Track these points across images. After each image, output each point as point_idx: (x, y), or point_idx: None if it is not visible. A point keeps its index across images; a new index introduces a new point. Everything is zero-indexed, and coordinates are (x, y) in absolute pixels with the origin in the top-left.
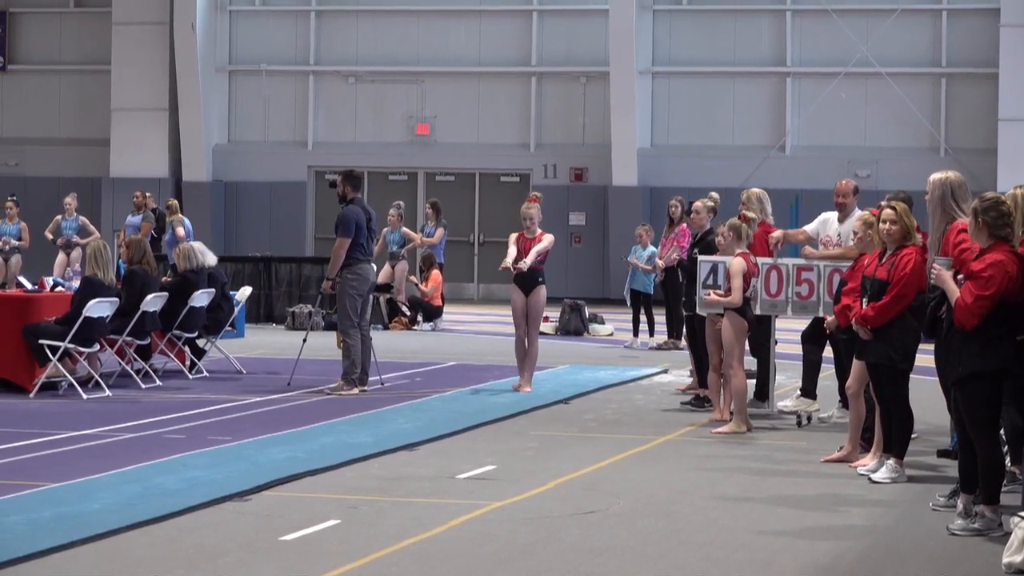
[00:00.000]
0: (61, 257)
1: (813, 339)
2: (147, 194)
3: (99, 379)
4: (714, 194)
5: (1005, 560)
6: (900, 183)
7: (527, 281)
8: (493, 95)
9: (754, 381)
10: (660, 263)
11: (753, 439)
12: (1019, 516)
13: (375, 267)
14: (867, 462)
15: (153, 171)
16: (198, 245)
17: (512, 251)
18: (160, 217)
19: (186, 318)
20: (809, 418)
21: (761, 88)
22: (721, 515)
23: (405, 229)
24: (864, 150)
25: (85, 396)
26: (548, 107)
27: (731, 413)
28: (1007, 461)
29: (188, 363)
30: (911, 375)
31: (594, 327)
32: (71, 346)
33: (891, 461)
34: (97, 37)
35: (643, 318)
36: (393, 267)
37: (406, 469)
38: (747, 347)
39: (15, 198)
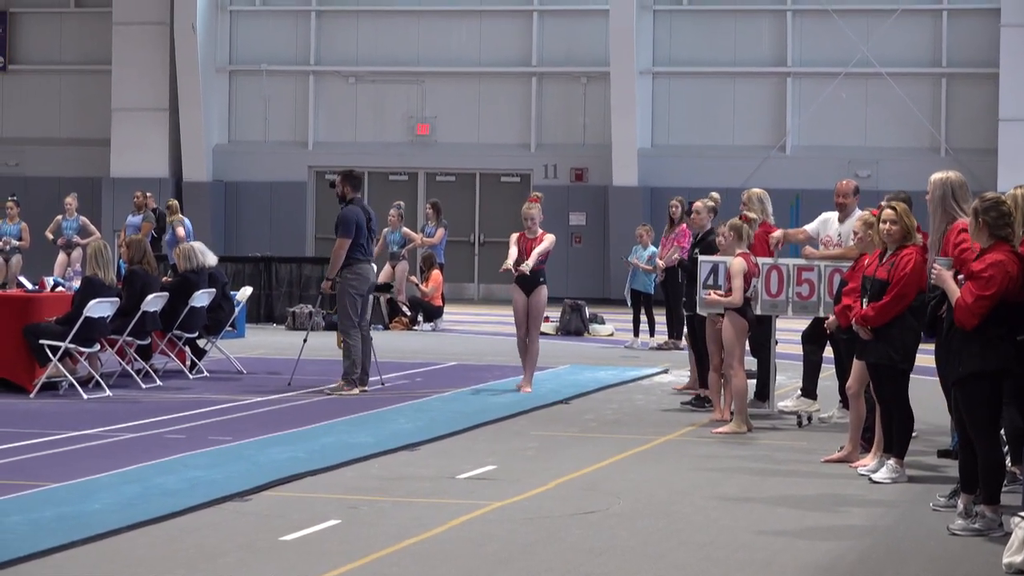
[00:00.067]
0: (61, 257)
1: (813, 339)
2: (147, 194)
3: (99, 379)
4: (715, 194)
5: (1005, 560)
6: (900, 183)
7: (528, 281)
8: (493, 95)
9: (754, 381)
10: (660, 263)
11: (753, 439)
12: (1019, 516)
13: (375, 267)
14: (867, 462)
15: (153, 171)
16: (198, 245)
17: (513, 252)
18: (160, 217)
19: (186, 318)
20: (809, 418)
21: (761, 88)
22: (721, 515)
23: (405, 229)
24: (864, 150)
25: (85, 396)
26: (548, 107)
27: (731, 413)
28: (1007, 461)
29: (188, 363)
30: (911, 375)
31: (594, 327)
32: (71, 346)
33: (891, 461)
34: (97, 37)
35: (643, 318)
36: (393, 267)
37: (406, 469)
38: (747, 347)
39: (15, 198)
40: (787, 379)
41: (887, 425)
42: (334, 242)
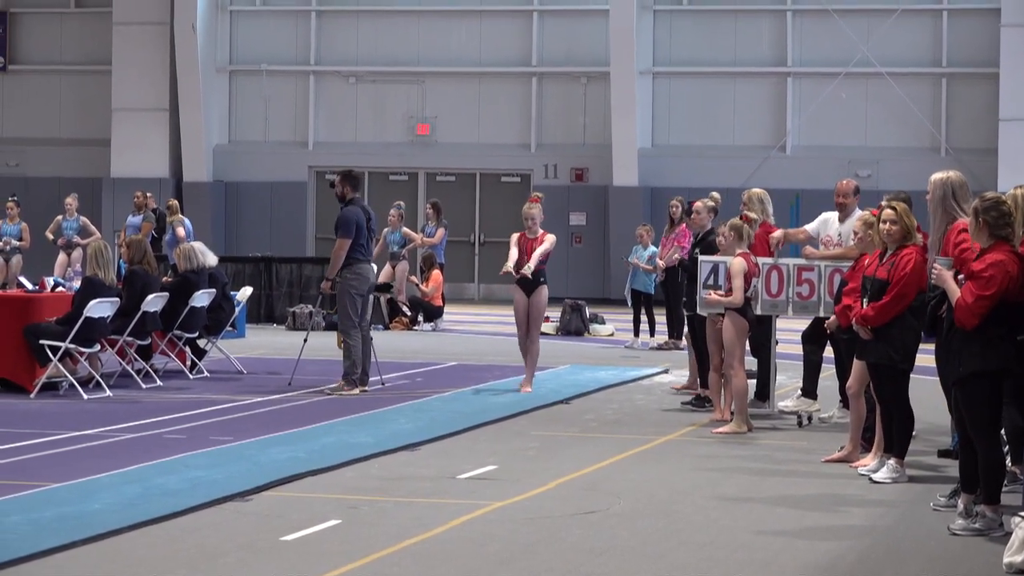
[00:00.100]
0: (62, 257)
1: (814, 339)
2: (147, 194)
3: (100, 379)
4: (715, 194)
5: (1006, 560)
6: (901, 183)
7: (529, 282)
8: (494, 95)
9: (755, 381)
10: (661, 263)
11: (754, 439)
12: (1020, 516)
13: (375, 267)
14: (868, 462)
15: (154, 171)
16: (199, 245)
17: (513, 253)
18: (160, 217)
19: (187, 318)
20: (810, 418)
21: (762, 88)
22: (721, 515)
23: (406, 229)
24: (865, 150)
25: (86, 396)
26: (549, 107)
27: (732, 413)
28: (1008, 461)
29: (189, 363)
30: (911, 375)
31: (595, 327)
32: (72, 346)
33: (892, 461)
34: (98, 37)
35: (644, 318)
36: (394, 267)
37: (407, 469)
38: (748, 347)
39: (16, 198)
40: (787, 379)
41: (887, 425)
42: (334, 242)
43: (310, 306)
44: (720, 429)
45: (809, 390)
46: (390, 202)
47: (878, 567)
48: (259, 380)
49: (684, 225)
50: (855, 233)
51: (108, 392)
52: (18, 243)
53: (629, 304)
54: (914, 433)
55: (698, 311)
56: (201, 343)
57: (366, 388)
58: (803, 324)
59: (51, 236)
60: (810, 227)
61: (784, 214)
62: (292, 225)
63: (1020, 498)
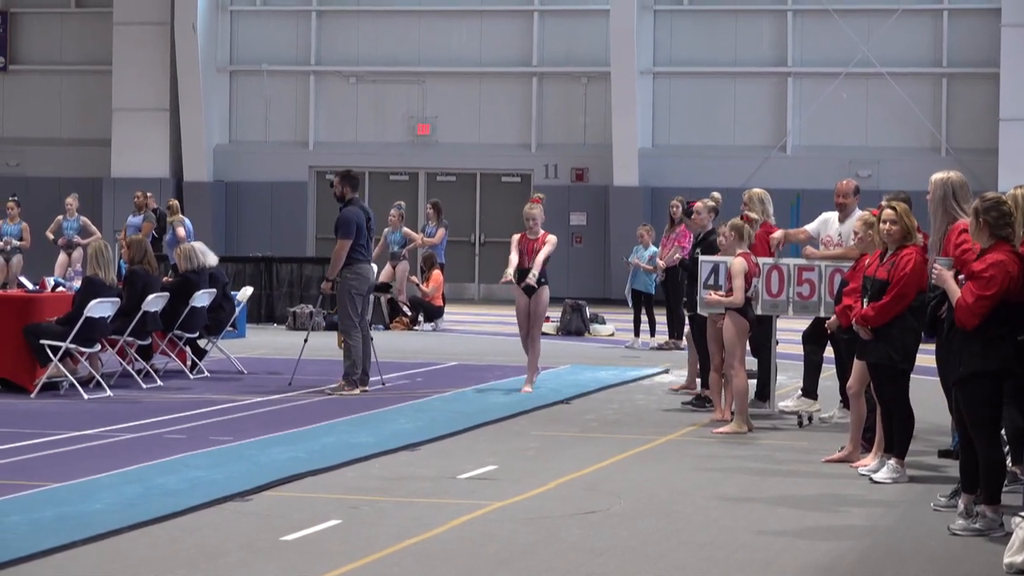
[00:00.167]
0: (62, 257)
1: (814, 339)
2: (148, 194)
3: (100, 379)
4: (716, 194)
5: (1006, 560)
6: (901, 183)
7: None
8: (494, 95)
9: (755, 381)
10: (661, 263)
11: (754, 439)
12: (1020, 516)
13: (375, 267)
14: (868, 462)
15: (154, 171)
16: (199, 245)
17: (513, 258)
18: (161, 217)
19: (187, 318)
20: (810, 418)
21: (762, 88)
22: (722, 515)
23: (406, 229)
24: (865, 150)
25: (86, 396)
26: (549, 107)
27: (732, 413)
28: (1008, 461)
29: (189, 363)
30: (912, 375)
31: (595, 327)
32: (72, 346)
33: (892, 461)
34: (98, 37)
35: (644, 318)
36: (394, 267)
37: (407, 469)
38: (748, 347)
39: (16, 198)
40: (788, 379)
41: (887, 425)
42: (335, 243)
43: (310, 306)
44: (720, 429)
45: (809, 390)
46: (390, 202)
47: (879, 567)
48: (259, 380)
49: (684, 225)
50: (855, 233)
51: (108, 392)
52: (18, 243)
53: (629, 304)
54: (914, 433)
55: (699, 311)
56: (201, 343)
57: (366, 388)
58: (803, 324)
59: (51, 236)
60: (810, 227)
61: (784, 214)
62: (292, 225)
63: (1020, 498)
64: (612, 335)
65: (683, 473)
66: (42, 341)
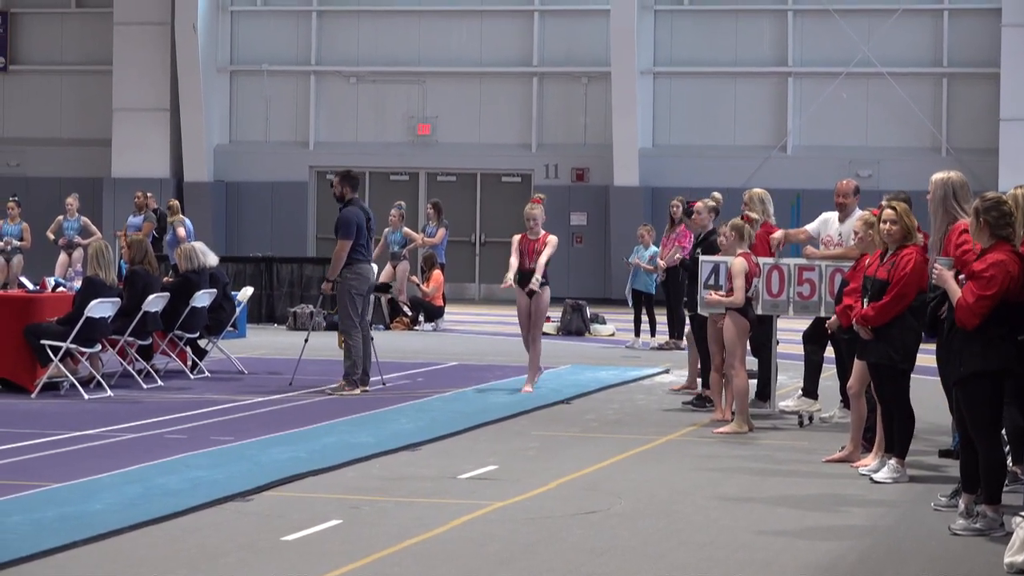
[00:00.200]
0: (63, 257)
1: (815, 339)
2: (148, 194)
3: (101, 379)
4: (716, 194)
5: (1007, 560)
6: (901, 183)
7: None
8: (494, 95)
9: (755, 381)
10: (662, 263)
11: (754, 439)
12: (1021, 516)
13: (375, 267)
14: (869, 462)
15: (154, 171)
16: (199, 245)
17: (514, 262)
18: (161, 217)
19: (188, 318)
20: (811, 418)
21: (762, 88)
22: (722, 515)
23: (406, 229)
24: (865, 150)
25: (87, 396)
26: (549, 107)
27: (732, 413)
28: (1008, 461)
29: (190, 363)
30: (912, 375)
31: (595, 327)
32: (73, 346)
33: (893, 461)
34: (98, 37)
35: (644, 318)
36: (395, 267)
37: (408, 469)
38: (748, 347)
39: (16, 198)
40: (788, 379)
41: (888, 425)
42: (335, 243)
43: (311, 306)
44: (721, 429)
45: (810, 390)
46: (391, 202)
47: (879, 567)
48: (260, 380)
49: (684, 225)
50: (855, 233)
51: (109, 392)
52: (19, 243)
53: (629, 304)
54: (914, 433)
55: (699, 311)
56: (202, 343)
57: (367, 388)
58: (804, 324)
59: (52, 236)
60: (810, 227)
61: (785, 214)
62: (293, 225)
63: (1021, 498)
64: (612, 335)
65: (683, 473)
66: (43, 341)
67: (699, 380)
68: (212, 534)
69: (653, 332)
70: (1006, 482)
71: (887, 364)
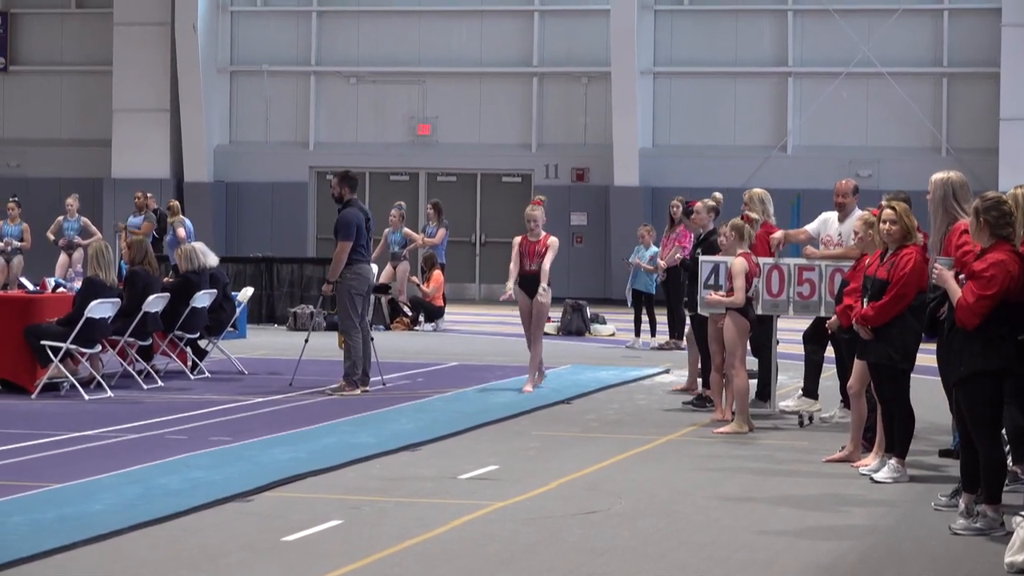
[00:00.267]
0: (63, 258)
1: (815, 339)
2: (148, 195)
3: (101, 380)
4: (717, 194)
5: (1007, 560)
6: (901, 183)
7: (533, 284)
8: (494, 95)
9: (756, 381)
10: (662, 263)
11: (755, 439)
12: (1021, 515)
13: (376, 268)
14: (869, 462)
15: (154, 172)
16: (200, 246)
17: (514, 269)
18: (161, 218)
19: (188, 319)
20: (811, 418)
21: (762, 88)
22: (723, 515)
23: (407, 229)
24: (866, 150)
25: (87, 397)
26: (549, 107)
27: (733, 413)
28: (1009, 460)
29: (190, 364)
30: (912, 375)
31: (596, 327)
32: (73, 347)
33: (893, 461)
34: (98, 38)
35: (645, 318)
36: (395, 267)
37: (408, 469)
38: (748, 347)
39: (17, 199)
40: (788, 379)
41: (888, 425)
42: (334, 244)
43: (311, 306)
44: (721, 429)
45: (810, 390)
46: (391, 202)
47: (880, 567)
48: (260, 380)
49: (683, 225)
50: (855, 233)
51: (109, 393)
52: (19, 244)
53: (629, 304)
54: (915, 433)
55: (699, 311)
56: (202, 344)
57: (367, 388)
58: (804, 324)
59: (52, 237)
60: (810, 227)
61: (785, 214)
62: (293, 225)
63: (1021, 498)
64: (613, 335)
65: (684, 473)
66: (43, 342)
67: (699, 380)
68: (212, 535)
69: (653, 332)
70: (1006, 482)
71: (887, 364)
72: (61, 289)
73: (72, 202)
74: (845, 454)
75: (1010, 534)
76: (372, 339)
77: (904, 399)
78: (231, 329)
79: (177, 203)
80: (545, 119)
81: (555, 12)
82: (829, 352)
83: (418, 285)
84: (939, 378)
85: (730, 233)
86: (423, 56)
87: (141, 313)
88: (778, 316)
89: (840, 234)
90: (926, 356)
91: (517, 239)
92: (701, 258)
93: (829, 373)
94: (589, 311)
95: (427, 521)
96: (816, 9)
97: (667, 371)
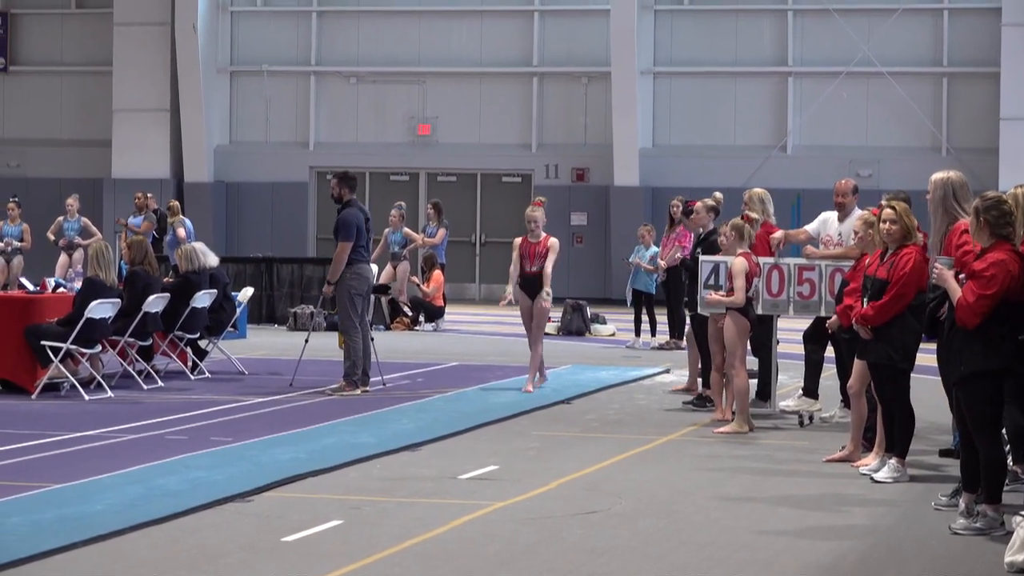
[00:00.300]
0: (63, 258)
1: (815, 339)
2: (148, 195)
3: (101, 380)
4: (717, 194)
5: (1007, 559)
6: (902, 183)
7: (534, 286)
8: (494, 95)
9: (756, 381)
10: (662, 263)
11: (755, 439)
12: (1021, 515)
13: (376, 268)
14: (869, 462)
15: (155, 172)
16: (200, 246)
17: (514, 272)
18: (161, 218)
19: (188, 319)
20: (811, 418)
21: (762, 88)
22: (723, 515)
23: (407, 229)
24: (866, 150)
25: (87, 397)
26: (549, 107)
27: (733, 413)
28: (1009, 460)
29: (190, 364)
30: (912, 374)
31: (596, 327)
32: (73, 347)
33: (893, 461)
34: (98, 38)
35: (645, 318)
36: (395, 267)
37: (408, 469)
38: (749, 347)
39: (17, 199)
40: (789, 379)
41: (888, 425)
42: (334, 244)
43: (311, 307)
44: (721, 429)
45: (810, 390)
46: (391, 202)
47: (880, 566)
48: (260, 381)
49: (683, 225)
50: (855, 233)
51: (109, 393)
52: (19, 244)
53: (629, 304)
54: (915, 432)
55: (699, 311)
56: (202, 344)
57: (367, 388)
58: (804, 324)
59: (52, 237)
60: (810, 227)
61: (785, 214)
62: (293, 226)
63: (1021, 497)
64: (613, 335)
65: (684, 473)
66: (43, 342)
67: (699, 380)
68: (212, 535)
69: (653, 332)
70: (1006, 481)
71: (887, 364)
72: (61, 289)
73: (72, 202)
74: (845, 454)
75: (1010, 534)
76: (372, 339)
77: (904, 399)
78: (231, 329)
79: (177, 203)
80: (545, 119)
81: (555, 12)
82: (829, 352)
83: (418, 285)
84: (939, 378)
85: (730, 233)
86: (423, 56)
87: (141, 313)
88: (778, 316)
89: (840, 234)
90: (926, 356)
91: (517, 240)
92: (701, 258)
93: (829, 373)
94: (589, 311)
95: (427, 521)
96: (816, 9)
97: (667, 371)
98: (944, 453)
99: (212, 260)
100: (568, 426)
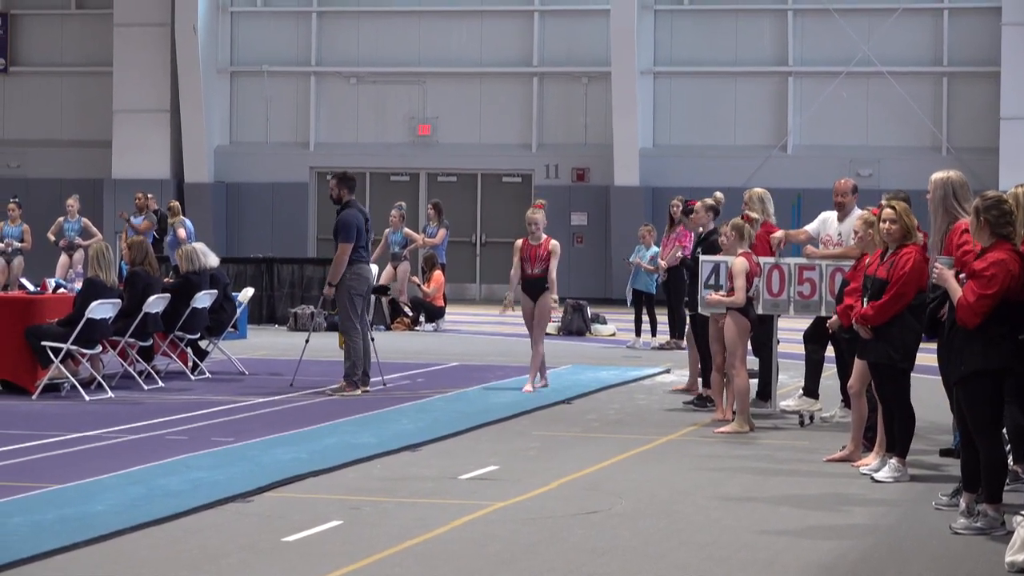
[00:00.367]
0: (63, 259)
1: (815, 338)
2: (149, 195)
3: (101, 381)
4: (718, 194)
5: (1008, 559)
6: (902, 182)
7: (535, 288)
8: (495, 95)
9: (756, 381)
10: (663, 263)
11: (755, 439)
12: (1021, 515)
13: (376, 268)
14: (870, 461)
15: (155, 172)
16: (200, 246)
17: (515, 276)
18: (162, 219)
19: (188, 319)
20: (811, 418)
21: (763, 88)
22: (723, 515)
23: (407, 230)
24: (866, 149)
25: (87, 398)
26: (550, 107)
27: (733, 413)
28: (1009, 460)
29: (190, 364)
30: (913, 374)
31: (596, 327)
32: (73, 348)
33: (894, 460)
34: (98, 39)
35: (645, 318)
36: (395, 268)
37: (409, 470)
38: (749, 346)
39: (17, 200)
40: (789, 378)
41: (888, 424)
42: (334, 245)
43: (311, 307)
44: (722, 429)
45: (811, 389)
46: (391, 203)
47: (880, 566)
48: (261, 381)
49: (683, 225)
50: (855, 232)
51: (110, 393)
52: (20, 245)
53: (629, 304)
54: (915, 432)
55: (700, 310)
56: (203, 344)
57: (367, 388)
58: (804, 323)
59: (52, 238)
60: (810, 227)
61: (785, 214)
62: (293, 226)
63: (1022, 497)
64: (613, 335)
65: (684, 473)
66: (43, 343)
67: (699, 380)
68: (213, 535)
69: (654, 332)
70: (1007, 481)
71: (887, 363)
72: (62, 290)
73: (72, 203)
74: (846, 453)
75: (1010, 533)
76: (372, 339)
77: (904, 398)
78: (232, 330)
79: (177, 204)
80: (545, 119)
81: (555, 12)
82: (829, 352)
83: (419, 285)
84: (939, 377)
85: (730, 233)
86: (423, 56)
87: (142, 314)
88: (779, 316)
89: (840, 233)
90: (926, 356)
91: (518, 243)
92: (702, 258)
93: (830, 373)
94: (590, 311)
95: (428, 521)
96: (816, 9)
97: (668, 371)
98: (944, 453)
99: (212, 260)
100: (569, 426)
